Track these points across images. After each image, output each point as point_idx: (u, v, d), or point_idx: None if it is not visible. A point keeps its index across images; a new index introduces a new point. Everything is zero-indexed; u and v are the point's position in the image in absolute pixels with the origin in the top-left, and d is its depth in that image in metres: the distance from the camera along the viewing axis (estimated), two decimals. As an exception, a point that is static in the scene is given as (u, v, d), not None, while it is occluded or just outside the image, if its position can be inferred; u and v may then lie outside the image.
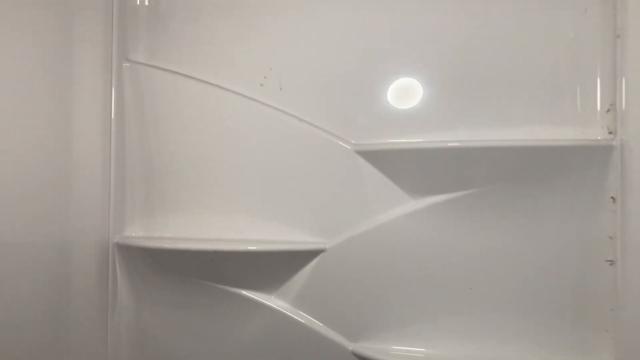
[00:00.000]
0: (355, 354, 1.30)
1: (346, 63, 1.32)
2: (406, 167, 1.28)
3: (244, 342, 1.37)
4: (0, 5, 1.14)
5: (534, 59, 1.23)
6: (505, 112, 1.24)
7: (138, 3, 1.45)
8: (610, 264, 1.18)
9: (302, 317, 1.34)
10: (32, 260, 1.19)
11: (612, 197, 1.17)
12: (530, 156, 1.20)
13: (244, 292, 1.36)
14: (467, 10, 1.26)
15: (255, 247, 1.32)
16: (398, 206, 1.29)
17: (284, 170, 1.35)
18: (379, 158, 1.29)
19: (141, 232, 1.43)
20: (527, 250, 1.23)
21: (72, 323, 1.31)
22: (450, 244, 1.26)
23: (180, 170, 1.40)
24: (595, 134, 1.19)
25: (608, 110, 1.18)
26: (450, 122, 1.27)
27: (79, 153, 1.32)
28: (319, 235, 1.33)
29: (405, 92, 1.30)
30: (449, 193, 1.25)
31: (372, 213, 1.30)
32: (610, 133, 1.18)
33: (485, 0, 1.25)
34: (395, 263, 1.29)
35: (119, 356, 1.43)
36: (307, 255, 1.33)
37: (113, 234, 1.40)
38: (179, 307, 1.40)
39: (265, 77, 1.36)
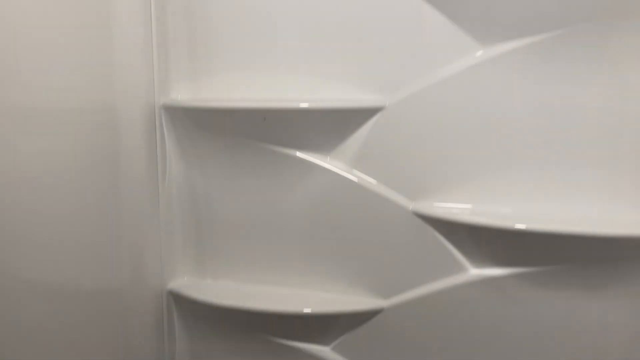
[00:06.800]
0: (416, 214, 1.24)
1: None
2: (473, 6, 1.14)
3: (298, 205, 1.32)
4: None
5: None
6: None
7: None
8: None
9: (360, 177, 1.27)
10: (79, 124, 1.13)
11: None
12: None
13: (299, 154, 1.30)
14: None
15: (307, 105, 1.24)
16: (465, 56, 1.17)
17: (338, 28, 1.24)
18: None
19: (188, 94, 1.35)
20: (613, 103, 1.11)
21: (123, 190, 1.27)
22: (526, 94, 1.14)
23: (227, 23, 1.30)
24: None
25: None
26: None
27: (120, 15, 1.23)
28: (378, 93, 1.23)
29: None
30: (526, 37, 1.12)
31: (435, 65, 1.18)
32: None
33: None
34: (460, 118, 1.19)
35: (171, 219, 1.41)
36: (365, 114, 1.24)
37: (159, 98, 1.33)
38: (230, 170, 1.35)
39: None
